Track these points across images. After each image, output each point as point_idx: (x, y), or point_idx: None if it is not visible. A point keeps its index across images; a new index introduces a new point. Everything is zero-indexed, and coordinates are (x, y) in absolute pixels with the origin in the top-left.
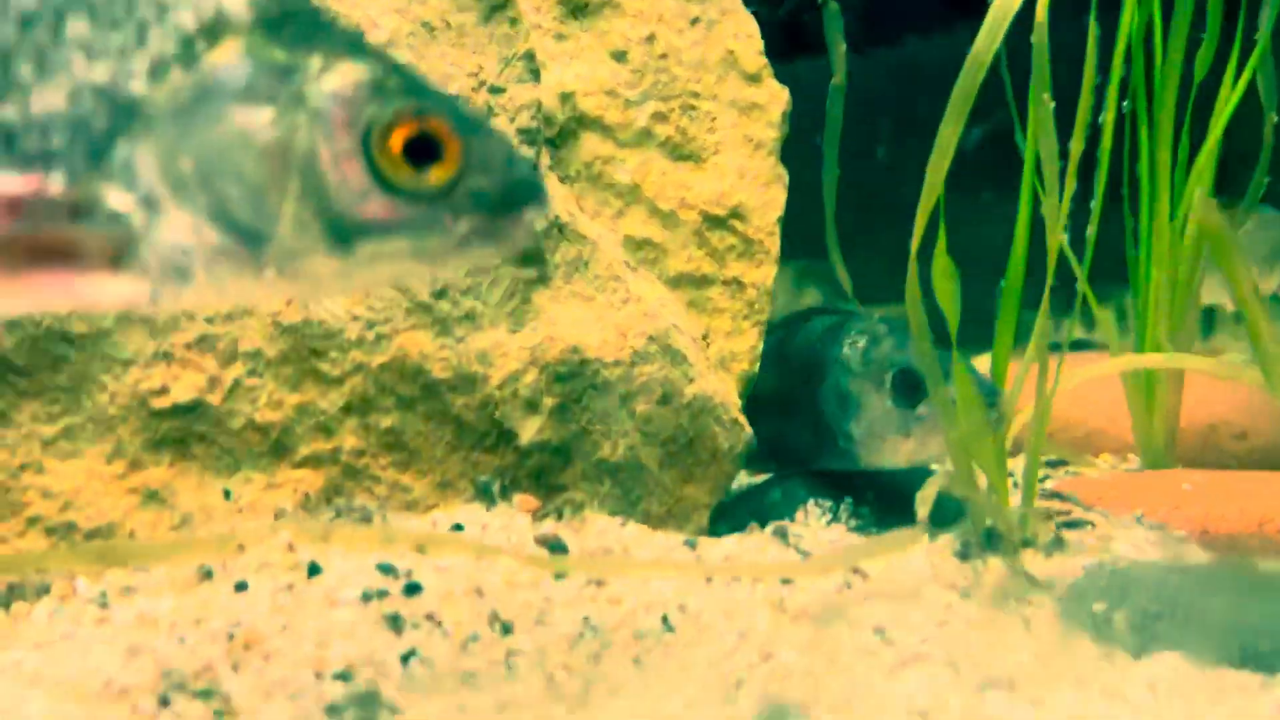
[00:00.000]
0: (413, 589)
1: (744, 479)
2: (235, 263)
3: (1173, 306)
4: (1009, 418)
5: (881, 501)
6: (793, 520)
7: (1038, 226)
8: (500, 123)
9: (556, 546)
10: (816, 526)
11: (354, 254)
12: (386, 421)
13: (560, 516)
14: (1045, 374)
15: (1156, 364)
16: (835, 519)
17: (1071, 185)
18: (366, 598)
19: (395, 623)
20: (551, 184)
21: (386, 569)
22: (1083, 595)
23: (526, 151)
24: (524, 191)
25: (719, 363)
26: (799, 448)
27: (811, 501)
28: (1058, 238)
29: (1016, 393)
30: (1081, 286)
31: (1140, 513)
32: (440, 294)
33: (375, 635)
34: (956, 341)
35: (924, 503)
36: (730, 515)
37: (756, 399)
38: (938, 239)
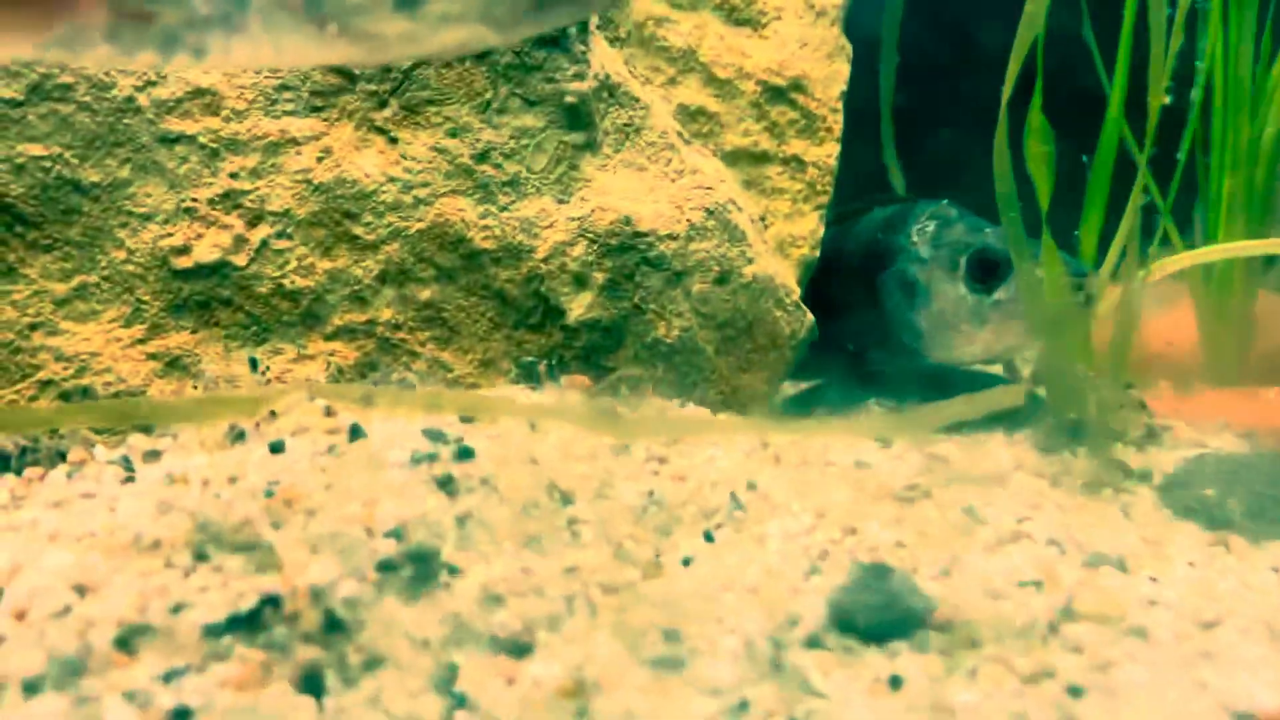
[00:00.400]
0: (465, 453)
1: (789, 390)
2: (293, 13)
3: (1248, 218)
4: (1099, 298)
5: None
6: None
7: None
8: None
9: (612, 424)
10: None
11: (422, 11)
12: (425, 293)
13: (616, 393)
14: (1134, 247)
15: (1238, 251)
16: None
17: (1178, 40)
18: (416, 461)
19: (448, 485)
20: (599, 45)
21: (435, 435)
22: (1187, 483)
23: None
24: None
25: (777, 246)
26: (859, 348)
27: (873, 401)
28: (1159, 99)
29: (1109, 272)
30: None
31: (1224, 421)
32: (482, 156)
33: (428, 496)
34: (1047, 218)
35: (1025, 376)
36: (785, 413)
37: (814, 294)
38: (1032, 100)
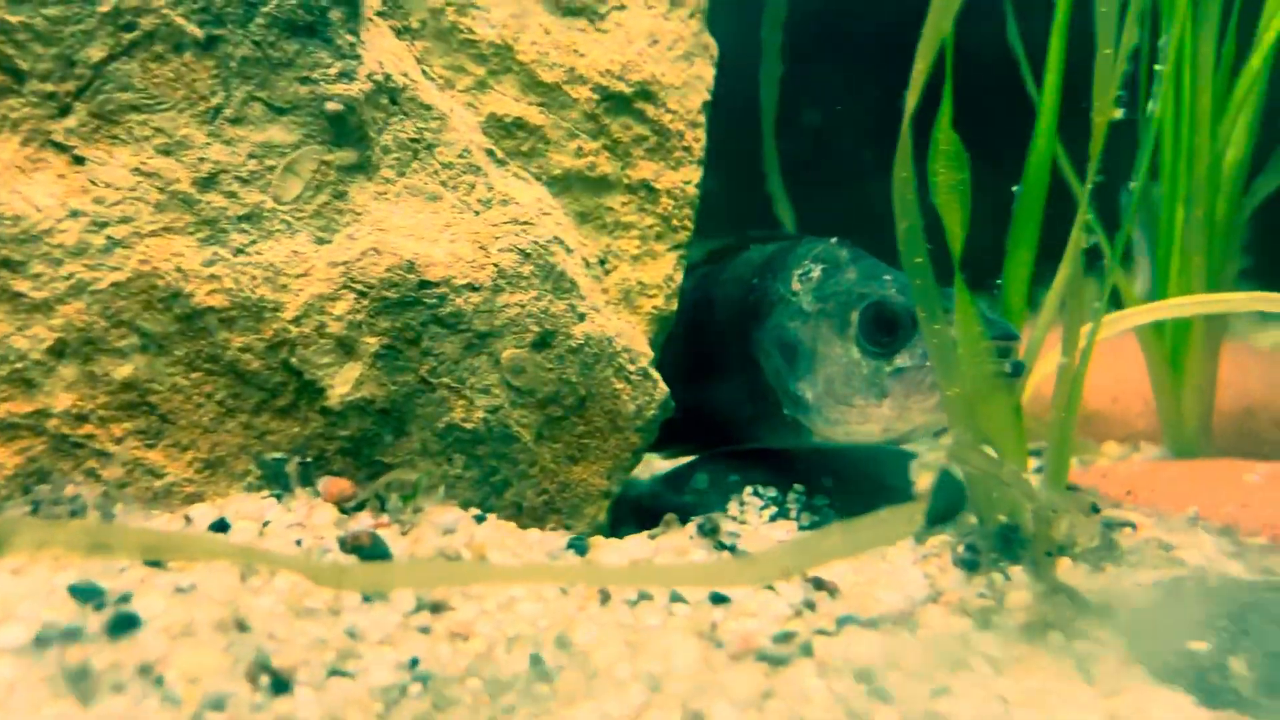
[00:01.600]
0: (124, 624)
1: (658, 465)
2: None
3: (1208, 259)
4: (1029, 370)
5: (844, 491)
6: (724, 514)
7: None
8: None
9: (373, 552)
10: (756, 522)
11: None
12: (124, 370)
13: (383, 508)
14: (1079, 303)
15: (1197, 308)
16: (781, 513)
17: (1132, 36)
18: (43, 642)
19: (82, 683)
20: (378, 36)
21: (88, 593)
22: (1166, 625)
23: None
24: None
25: (623, 297)
26: (733, 419)
27: (749, 490)
28: (1107, 114)
29: (1042, 334)
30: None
31: (1195, 510)
32: (208, 182)
33: (49, 704)
34: (960, 263)
35: (924, 470)
36: (639, 509)
37: (675, 355)
38: (938, 115)
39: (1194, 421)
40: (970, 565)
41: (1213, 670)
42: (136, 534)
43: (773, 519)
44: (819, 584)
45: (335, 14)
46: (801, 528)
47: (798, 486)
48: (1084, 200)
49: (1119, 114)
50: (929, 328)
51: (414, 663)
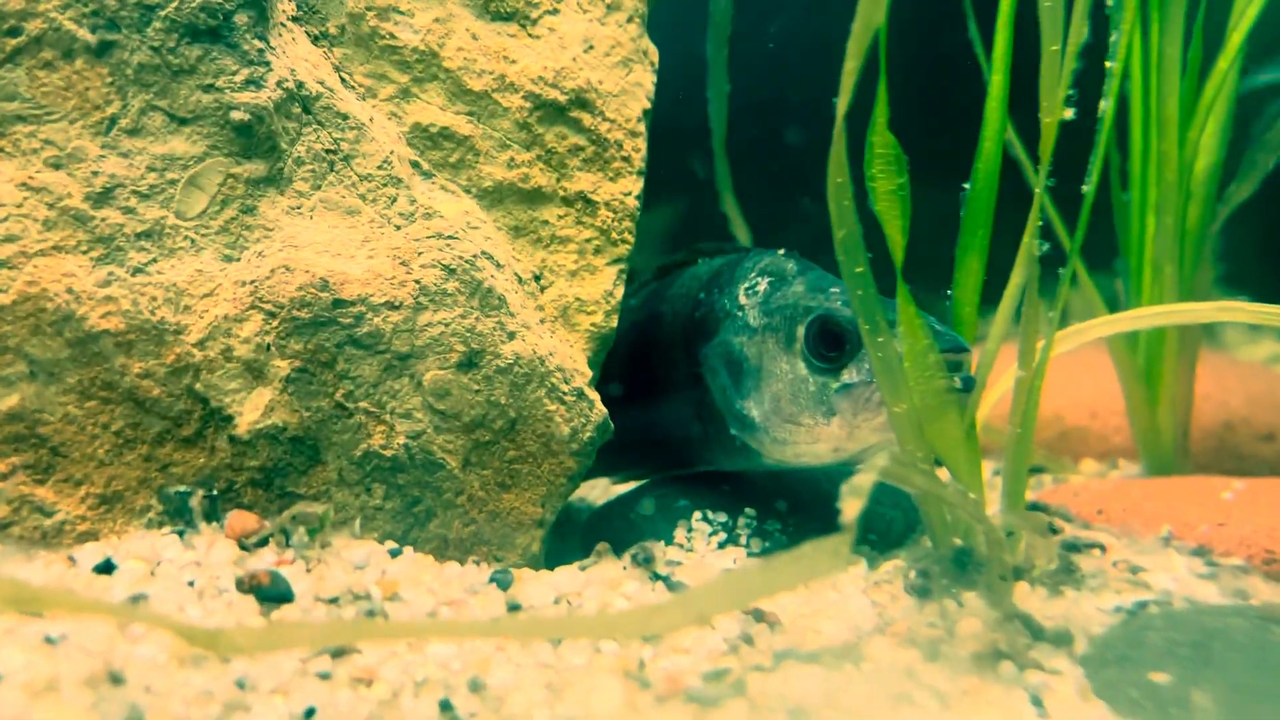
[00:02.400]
0: None
1: (609, 490)
2: None
3: (1180, 269)
4: (981, 383)
5: (798, 515)
6: (670, 543)
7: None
8: None
9: (272, 592)
10: (704, 550)
11: None
12: (9, 400)
13: (287, 543)
14: (1033, 313)
15: (1196, 316)
16: (731, 540)
17: (1081, 33)
18: None
19: None
20: (292, 41)
21: None
22: (1128, 656)
23: None
24: None
25: (560, 313)
26: (683, 441)
27: (696, 515)
28: (1056, 114)
29: (995, 348)
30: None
31: (1169, 530)
32: (103, 197)
33: None
34: (903, 272)
35: (852, 497)
36: (578, 537)
37: (624, 374)
38: (874, 113)
39: (1170, 437)
40: (922, 592)
41: (1174, 704)
42: None
43: (721, 546)
44: (759, 616)
45: (241, 18)
46: (750, 554)
47: (749, 511)
48: (1036, 205)
49: (1070, 114)
50: (872, 341)
51: (309, 713)
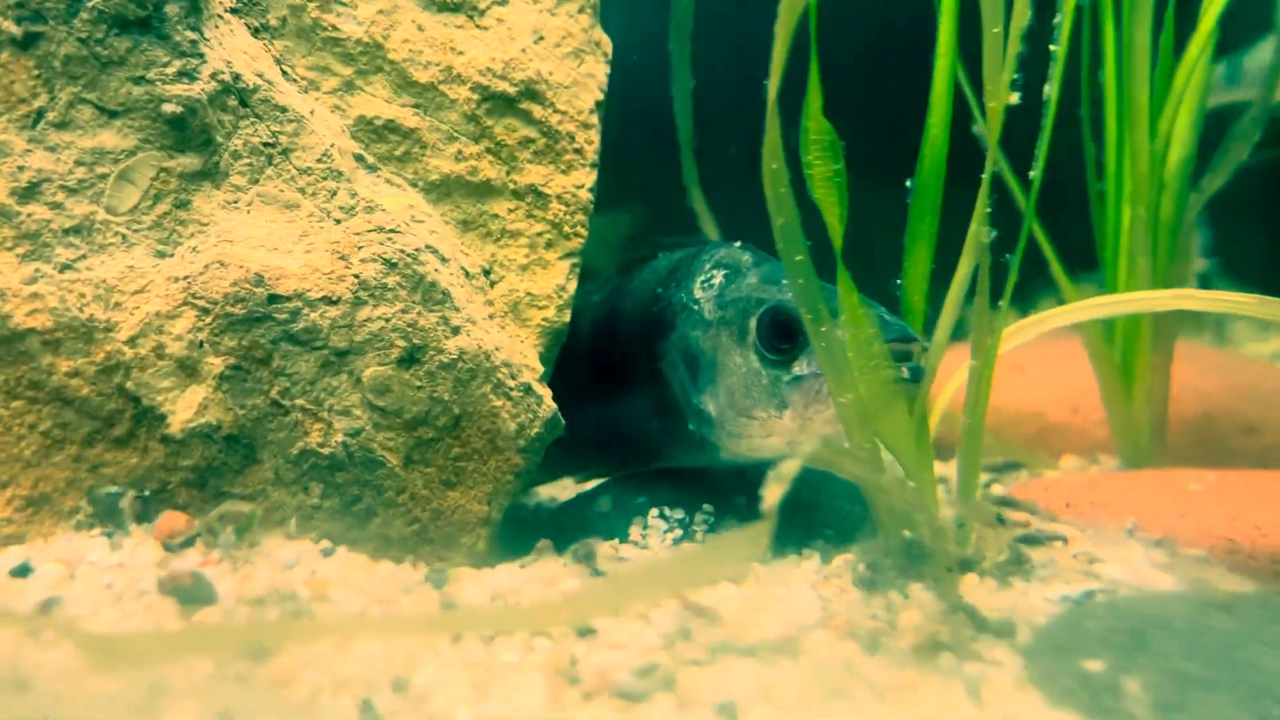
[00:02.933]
0: None
1: (576, 490)
2: None
3: (1155, 253)
4: (930, 373)
5: (758, 510)
6: (624, 540)
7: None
8: None
9: (194, 593)
10: (658, 546)
11: None
12: None
13: (214, 541)
14: (984, 302)
15: (1152, 304)
16: (686, 536)
17: (1024, 15)
18: None
19: None
20: (230, 33)
21: None
22: (1066, 645)
23: None
24: None
25: (510, 308)
26: (643, 437)
27: (654, 512)
28: (1002, 99)
29: (944, 338)
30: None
31: (1133, 522)
32: (29, 192)
33: None
34: (844, 257)
35: (776, 484)
36: (532, 535)
37: (585, 370)
38: (806, 102)
39: (1146, 431)
40: (869, 585)
41: (1106, 691)
42: None
43: (676, 542)
44: (700, 610)
45: (172, 9)
46: None
47: (706, 507)
48: (983, 191)
49: (1015, 99)
50: (815, 330)
51: (221, 717)
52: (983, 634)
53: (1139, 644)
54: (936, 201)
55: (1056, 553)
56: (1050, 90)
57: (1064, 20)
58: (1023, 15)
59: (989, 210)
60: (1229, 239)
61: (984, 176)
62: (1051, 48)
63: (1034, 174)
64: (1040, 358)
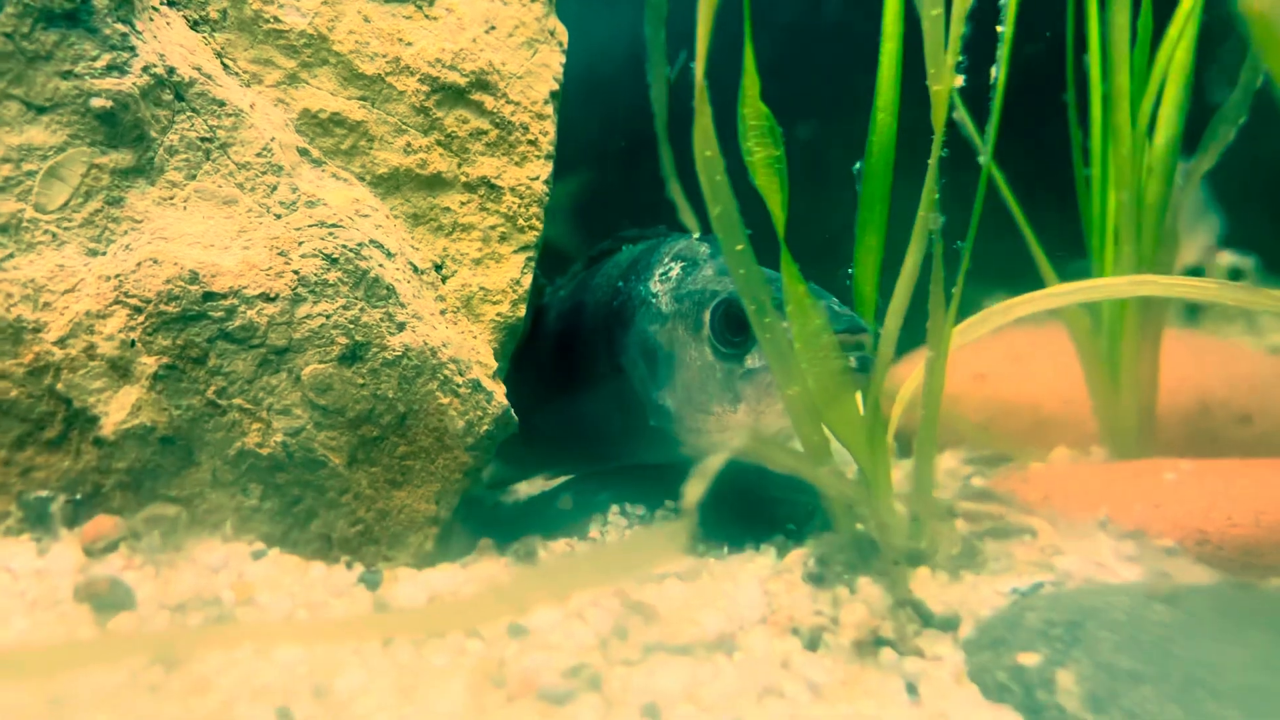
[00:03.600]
0: None
1: (525, 489)
2: None
3: (1139, 238)
4: (884, 364)
5: (720, 505)
6: (584, 537)
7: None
8: None
9: (111, 600)
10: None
11: None
12: None
13: (139, 545)
14: (939, 291)
15: (1110, 292)
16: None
17: None
18: None
19: None
20: (165, 25)
21: None
22: (1005, 639)
23: None
24: None
25: (463, 304)
26: (605, 433)
27: (614, 509)
28: (947, 83)
29: (895, 325)
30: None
31: (1106, 515)
32: None
33: None
34: (786, 242)
35: (699, 479)
36: (493, 533)
37: (551, 365)
38: (741, 87)
39: (1133, 422)
40: (818, 580)
41: (1040, 686)
42: None
43: None
44: (638, 608)
45: (100, 1)
46: None
47: (669, 503)
48: (930, 178)
49: (960, 81)
50: (759, 323)
51: None
52: (928, 628)
53: (1075, 636)
54: (886, 189)
55: (1021, 546)
56: (997, 72)
57: (1010, 2)
58: None
59: (937, 196)
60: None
61: (930, 162)
62: (998, 29)
63: (983, 159)
64: (1036, 347)
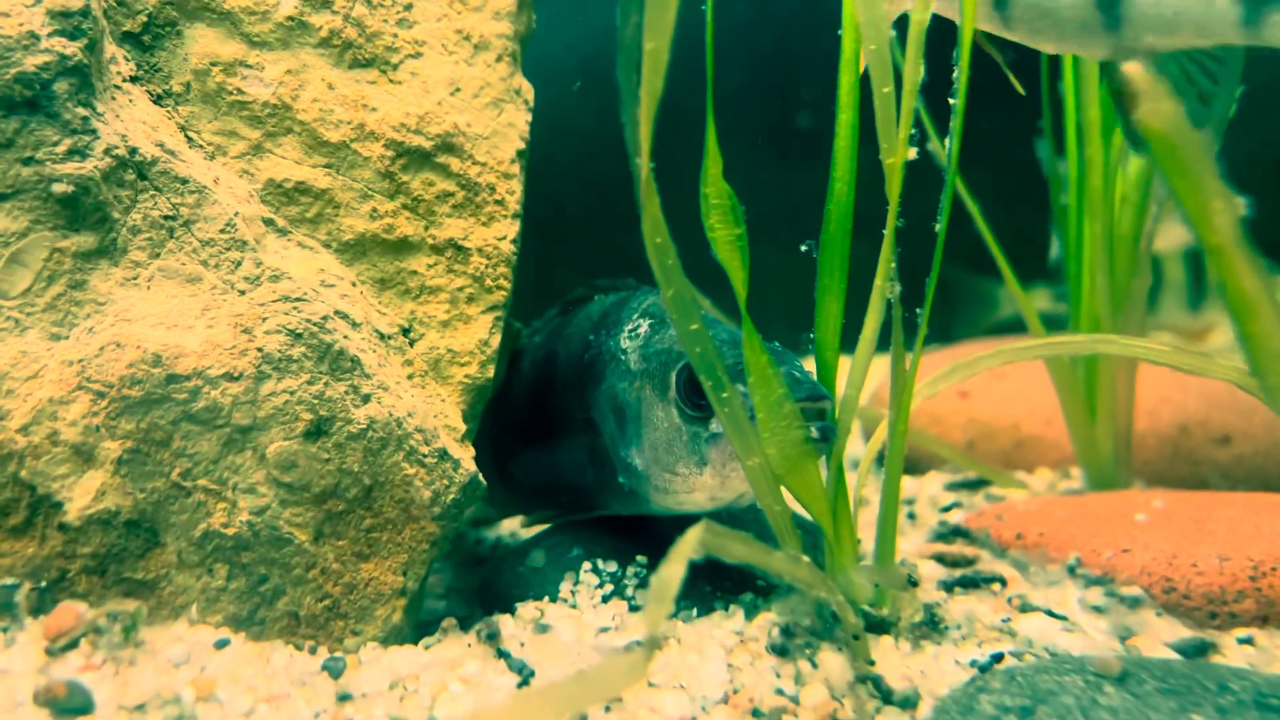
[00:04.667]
0: None
1: (519, 533)
2: None
3: (1113, 269)
4: (844, 430)
5: (695, 560)
6: (555, 599)
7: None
8: (12, 2)
9: (69, 704)
10: (586, 604)
11: None
12: None
13: (99, 641)
14: (899, 358)
15: (1071, 349)
16: (617, 591)
17: (919, 72)
18: None
19: None
20: (129, 104)
21: None
22: None
23: (65, 49)
24: None
25: (431, 366)
26: (578, 485)
27: (586, 567)
28: (900, 155)
29: (855, 394)
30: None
31: (1076, 557)
32: None
33: None
34: (747, 311)
35: (656, 604)
36: (458, 598)
37: (526, 414)
38: (704, 166)
39: (1109, 448)
40: (782, 651)
41: None
42: None
43: (605, 599)
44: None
45: (61, 86)
46: (633, 608)
47: (640, 560)
48: (886, 246)
49: (913, 154)
50: (717, 398)
51: None
52: (887, 705)
53: None
54: (844, 256)
55: (986, 600)
56: (950, 145)
57: (961, 76)
58: (916, 72)
59: (894, 265)
60: None
61: (886, 232)
62: (950, 101)
63: (938, 227)
64: (1018, 366)
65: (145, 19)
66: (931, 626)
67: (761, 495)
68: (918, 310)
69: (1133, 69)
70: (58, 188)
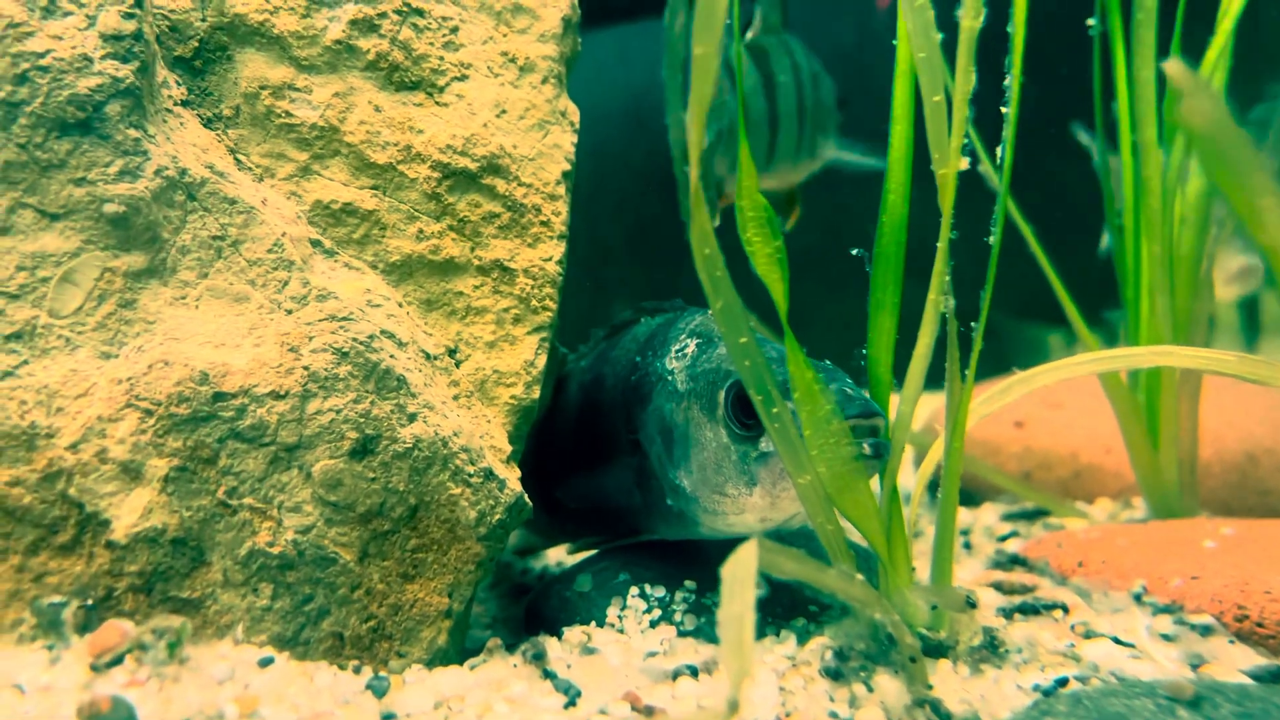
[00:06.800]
0: None
1: (567, 560)
2: None
3: (1173, 291)
4: (898, 448)
5: None
6: (602, 623)
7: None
8: (65, 25)
9: None
10: (634, 629)
11: None
12: None
13: (144, 657)
14: (955, 374)
15: (1132, 362)
16: (665, 617)
17: (969, 81)
18: None
19: None
20: (179, 126)
21: None
22: None
23: (118, 71)
24: None
25: (477, 387)
26: (625, 509)
27: (633, 591)
28: (954, 166)
29: (910, 410)
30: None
31: (1142, 585)
32: None
33: None
34: (789, 326)
35: (738, 593)
36: (504, 627)
37: (570, 439)
38: (739, 178)
39: (1173, 477)
40: (835, 675)
41: None
42: None
43: (653, 624)
44: (649, 711)
45: (113, 108)
46: (681, 633)
47: (688, 584)
48: (940, 260)
49: (965, 164)
50: (767, 413)
51: None
52: None
53: None
54: (899, 271)
55: (1050, 626)
56: (1004, 154)
57: (1014, 84)
58: (968, 81)
59: (948, 279)
60: None
61: (940, 245)
62: (1003, 110)
63: (992, 239)
64: (1074, 394)
65: (196, 44)
66: (991, 650)
67: (813, 514)
68: (972, 325)
69: (1174, 66)
70: (109, 208)
